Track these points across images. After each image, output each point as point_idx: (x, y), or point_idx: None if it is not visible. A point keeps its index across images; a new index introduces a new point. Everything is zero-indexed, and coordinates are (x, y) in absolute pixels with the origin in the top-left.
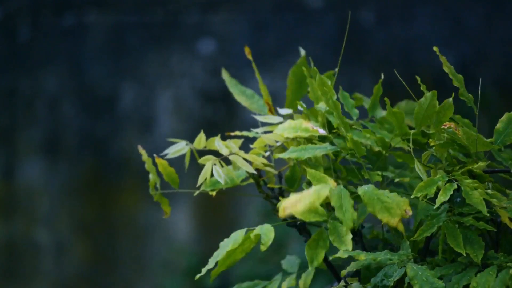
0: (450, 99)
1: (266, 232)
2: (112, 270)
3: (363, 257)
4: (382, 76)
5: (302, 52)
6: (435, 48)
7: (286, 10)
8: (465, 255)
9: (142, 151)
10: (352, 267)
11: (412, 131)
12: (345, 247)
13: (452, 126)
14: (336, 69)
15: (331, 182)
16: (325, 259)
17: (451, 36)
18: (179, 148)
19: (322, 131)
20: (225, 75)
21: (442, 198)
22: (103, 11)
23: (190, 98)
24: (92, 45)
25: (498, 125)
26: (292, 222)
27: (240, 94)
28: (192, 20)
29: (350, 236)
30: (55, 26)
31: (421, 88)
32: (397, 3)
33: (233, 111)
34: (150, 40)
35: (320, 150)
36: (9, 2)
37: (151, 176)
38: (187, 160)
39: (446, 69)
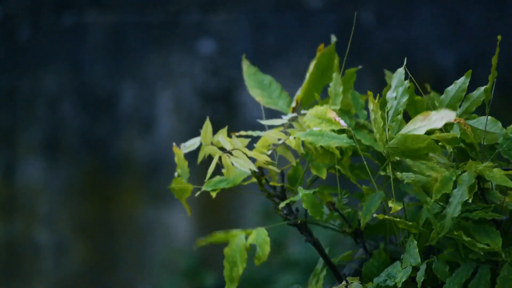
0: (483, 88)
1: (262, 245)
2: (112, 270)
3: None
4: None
5: (334, 39)
6: (499, 37)
7: (286, 10)
8: (482, 253)
9: (175, 148)
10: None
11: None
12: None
13: (461, 121)
14: (360, 67)
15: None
16: (326, 258)
17: (451, 36)
18: (193, 142)
19: (343, 124)
20: (244, 63)
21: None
22: (103, 11)
23: (190, 98)
24: (92, 45)
25: (507, 130)
26: (292, 221)
27: (255, 86)
28: (192, 20)
29: None
30: (55, 26)
31: (428, 90)
32: (397, 3)
33: (233, 111)
34: (150, 40)
35: (336, 140)
36: (9, 2)
37: (180, 171)
38: (201, 154)
39: (493, 62)
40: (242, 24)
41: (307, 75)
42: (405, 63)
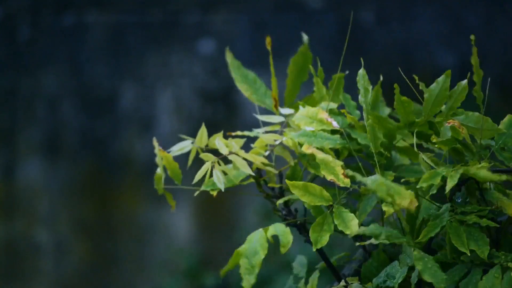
0: (464, 81)
1: (284, 234)
2: (112, 270)
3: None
4: (381, 78)
5: (305, 38)
6: (472, 37)
7: (286, 10)
8: (469, 254)
9: (155, 143)
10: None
11: (419, 119)
12: (350, 232)
13: (455, 123)
14: (347, 72)
15: (339, 169)
16: (325, 258)
17: (451, 36)
18: (183, 145)
19: (335, 125)
20: (228, 56)
21: (450, 184)
22: (103, 11)
23: (190, 98)
24: (92, 45)
25: (500, 127)
26: (292, 221)
27: (242, 81)
28: (192, 20)
29: (356, 221)
30: (55, 26)
31: (420, 87)
32: (397, 3)
33: (233, 111)
34: (150, 40)
35: (329, 142)
36: (9, 2)
37: (158, 170)
38: (191, 157)
39: (473, 62)
40: (242, 24)
41: (288, 75)
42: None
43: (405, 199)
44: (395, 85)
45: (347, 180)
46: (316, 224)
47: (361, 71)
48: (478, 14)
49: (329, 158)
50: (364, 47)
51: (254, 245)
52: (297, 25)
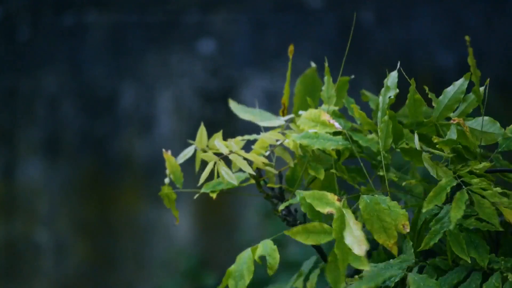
0: (481, 88)
1: (271, 254)
2: (112, 270)
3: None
4: (397, 91)
5: (313, 64)
6: (467, 37)
7: (286, 10)
8: (470, 262)
9: (166, 154)
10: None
11: (427, 120)
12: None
13: (461, 122)
14: (352, 76)
15: (334, 198)
16: (325, 258)
17: (451, 36)
18: (187, 152)
19: (338, 126)
20: (231, 103)
21: (457, 214)
22: (103, 11)
23: (190, 98)
24: (92, 45)
25: (506, 131)
26: (292, 222)
27: (246, 113)
28: (192, 20)
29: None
30: (55, 26)
31: (428, 93)
32: (397, 3)
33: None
34: (150, 40)
35: (331, 143)
36: (9, 2)
37: (166, 180)
38: (197, 161)
39: (470, 62)
40: (242, 24)
41: (296, 94)
42: (398, 66)
43: (391, 239)
44: (412, 81)
45: (344, 202)
46: (330, 264)
47: (395, 73)
48: (478, 14)
49: (319, 192)
50: (364, 47)
51: (241, 267)
52: (297, 25)
